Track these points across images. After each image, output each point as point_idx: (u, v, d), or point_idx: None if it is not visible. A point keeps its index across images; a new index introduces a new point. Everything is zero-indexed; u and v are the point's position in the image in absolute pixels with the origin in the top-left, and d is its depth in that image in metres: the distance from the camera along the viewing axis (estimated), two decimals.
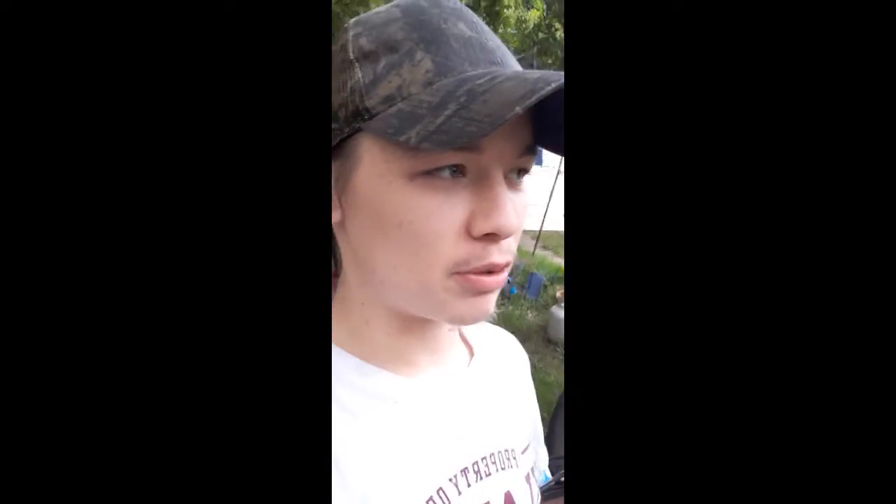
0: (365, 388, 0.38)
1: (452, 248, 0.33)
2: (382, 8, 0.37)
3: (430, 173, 0.32)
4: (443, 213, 0.32)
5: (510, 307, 4.36)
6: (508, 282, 4.90)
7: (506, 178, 0.34)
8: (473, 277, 0.34)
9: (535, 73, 0.30)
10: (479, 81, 0.31)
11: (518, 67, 0.36)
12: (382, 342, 0.40)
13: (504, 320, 3.99)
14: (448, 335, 0.44)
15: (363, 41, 0.35)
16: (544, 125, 0.34)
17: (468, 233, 0.33)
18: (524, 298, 4.57)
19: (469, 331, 0.49)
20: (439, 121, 0.30)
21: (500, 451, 0.43)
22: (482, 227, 0.32)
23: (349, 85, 0.34)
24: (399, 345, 0.40)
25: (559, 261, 5.85)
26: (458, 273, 0.34)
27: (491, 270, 0.34)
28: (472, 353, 0.47)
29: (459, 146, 0.29)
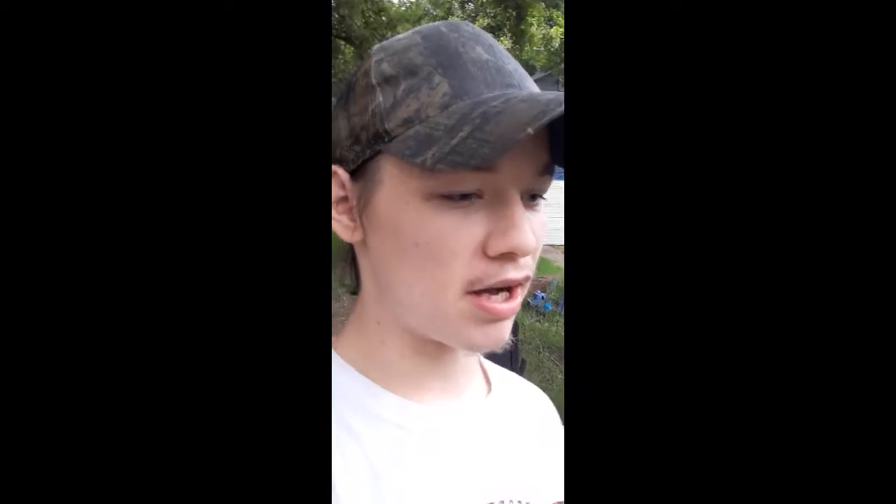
0: (371, 411, 0.37)
1: (467, 267, 0.33)
2: (405, 34, 0.38)
3: (447, 196, 0.32)
4: (458, 233, 0.32)
5: (546, 324, 4.31)
6: (542, 298, 4.85)
7: (521, 198, 0.34)
8: (487, 304, 0.33)
9: (548, 95, 0.31)
10: (493, 103, 0.31)
11: (535, 89, 0.37)
12: (396, 364, 0.39)
13: (540, 337, 3.95)
14: (464, 364, 0.43)
15: (385, 66, 0.35)
16: (560, 145, 0.34)
17: (484, 252, 0.33)
18: (559, 315, 4.51)
19: (490, 367, 0.47)
20: (454, 142, 0.30)
21: (515, 501, 0.40)
22: (499, 247, 0.32)
23: (370, 108, 0.35)
24: (412, 368, 0.39)
25: None
26: (473, 293, 0.33)
27: (507, 288, 0.34)
28: (490, 389, 0.45)
29: (473, 167, 0.30)
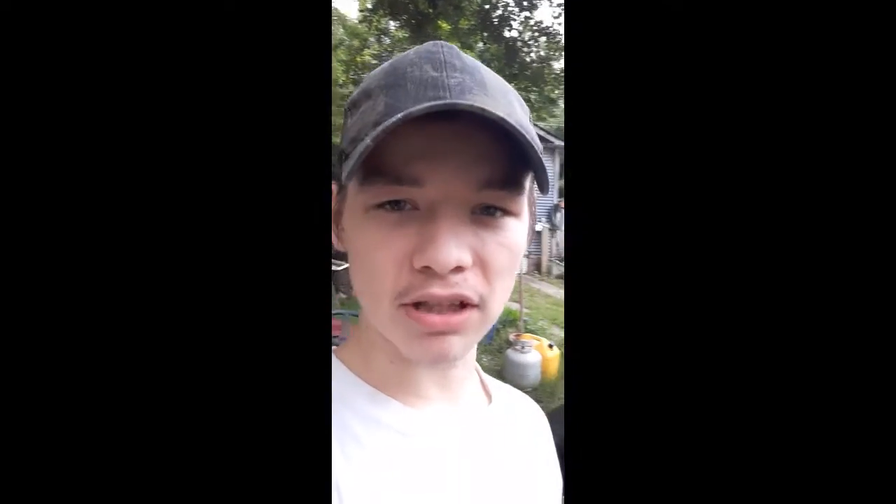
0: (373, 417, 0.38)
1: (395, 278, 0.34)
2: (402, 54, 0.39)
3: (381, 206, 0.34)
4: (387, 245, 0.34)
5: None
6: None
7: (473, 213, 0.34)
8: (415, 313, 0.34)
9: (444, 98, 0.31)
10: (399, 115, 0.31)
11: (484, 100, 0.34)
12: (389, 370, 0.40)
13: None
14: (460, 372, 0.43)
15: (356, 90, 0.38)
16: (516, 161, 0.34)
17: (412, 264, 0.34)
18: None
19: (488, 379, 0.49)
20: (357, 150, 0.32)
21: None
22: (418, 260, 0.33)
23: (343, 130, 0.38)
24: (405, 374, 0.40)
25: (511, 304, 5.90)
26: (403, 305, 0.34)
27: (429, 302, 0.34)
28: (490, 400, 0.47)
29: (360, 167, 0.32)
